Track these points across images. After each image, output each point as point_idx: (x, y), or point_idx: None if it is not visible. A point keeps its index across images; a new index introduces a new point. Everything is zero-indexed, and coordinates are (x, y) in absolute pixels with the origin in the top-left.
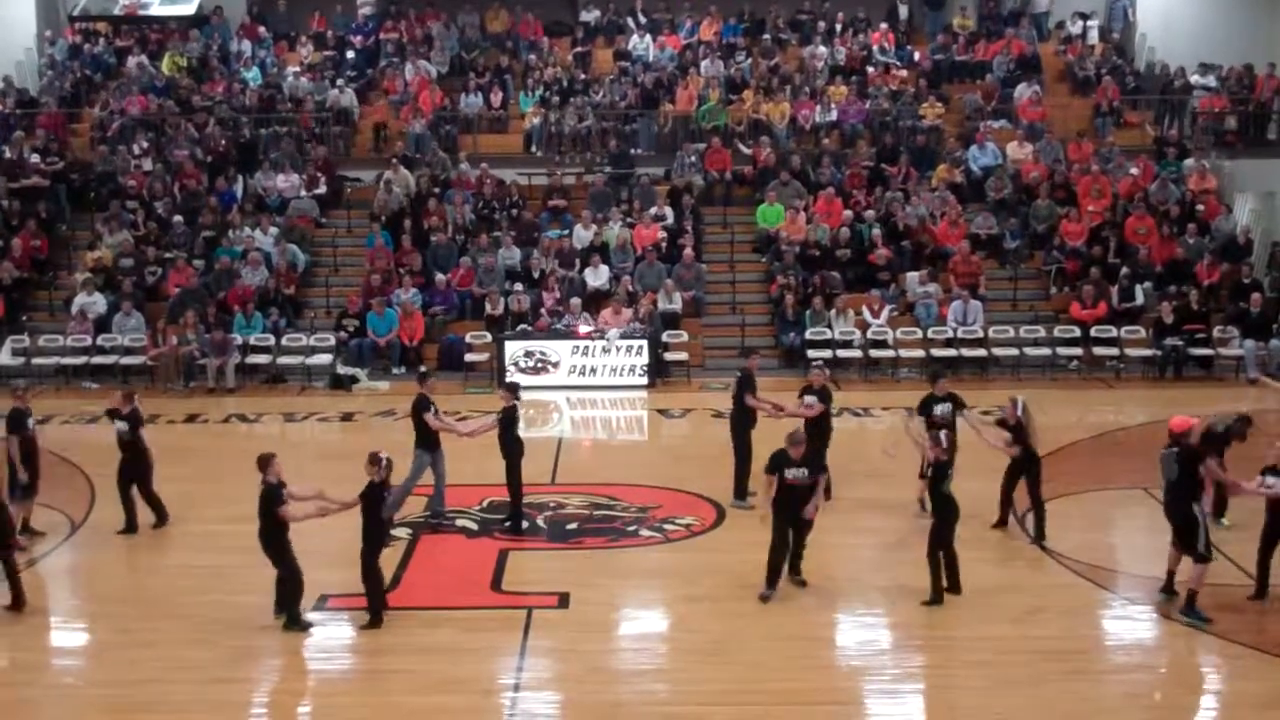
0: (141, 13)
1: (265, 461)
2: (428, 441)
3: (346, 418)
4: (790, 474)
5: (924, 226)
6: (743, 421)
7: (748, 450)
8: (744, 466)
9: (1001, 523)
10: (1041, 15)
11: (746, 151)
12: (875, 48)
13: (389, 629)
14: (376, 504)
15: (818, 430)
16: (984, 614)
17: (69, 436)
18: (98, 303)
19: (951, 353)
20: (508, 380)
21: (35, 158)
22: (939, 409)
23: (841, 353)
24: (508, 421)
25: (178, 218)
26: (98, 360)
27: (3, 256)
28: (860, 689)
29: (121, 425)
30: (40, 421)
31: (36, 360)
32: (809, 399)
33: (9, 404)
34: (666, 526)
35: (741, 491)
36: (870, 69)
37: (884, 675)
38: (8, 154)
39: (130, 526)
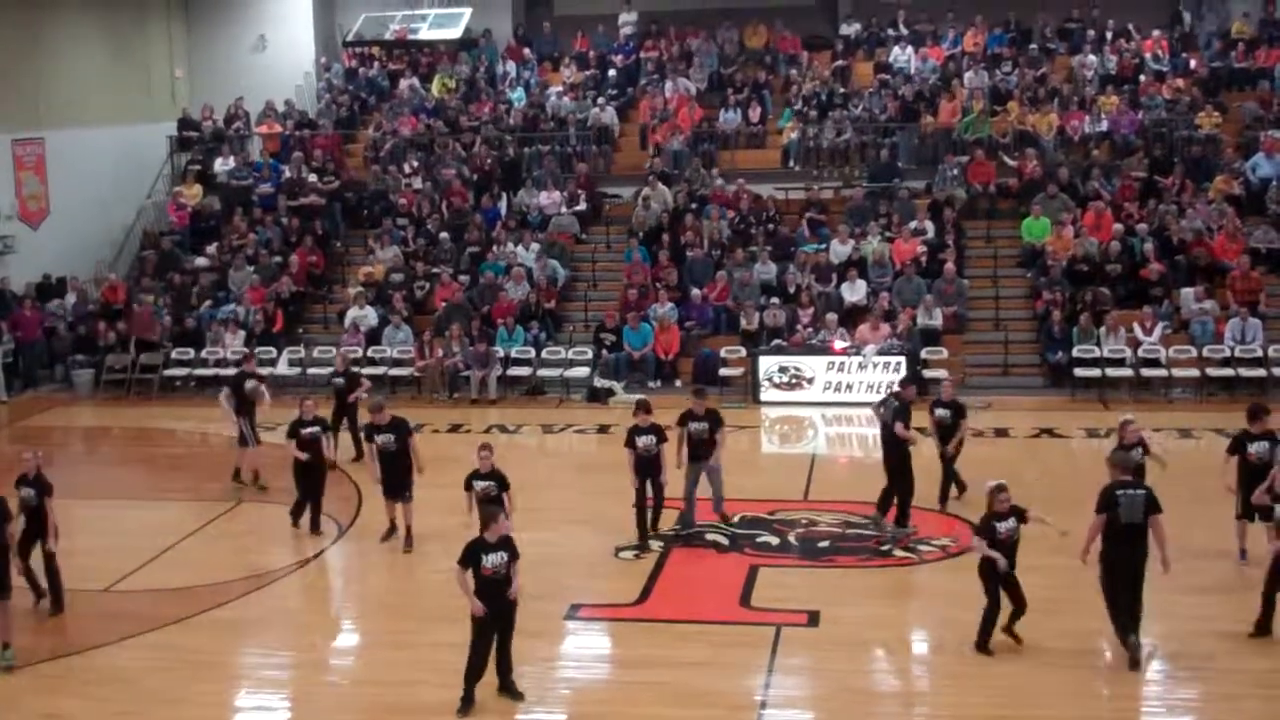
0: (412, 37)
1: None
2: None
3: (603, 430)
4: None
5: (1200, 240)
6: (897, 450)
7: (909, 478)
8: (906, 495)
9: None
10: None
11: (1011, 164)
12: (1148, 55)
13: (639, 640)
14: None
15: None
16: None
17: (340, 443)
18: (369, 316)
19: (1229, 372)
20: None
21: (313, 177)
22: (1255, 447)
23: (1111, 371)
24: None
25: (445, 234)
26: (368, 371)
27: (281, 271)
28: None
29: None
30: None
31: (311, 370)
32: (939, 412)
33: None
34: (921, 547)
35: (904, 519)
36: (1143, 77)
37: (1155, 706)
38: (288, 173)
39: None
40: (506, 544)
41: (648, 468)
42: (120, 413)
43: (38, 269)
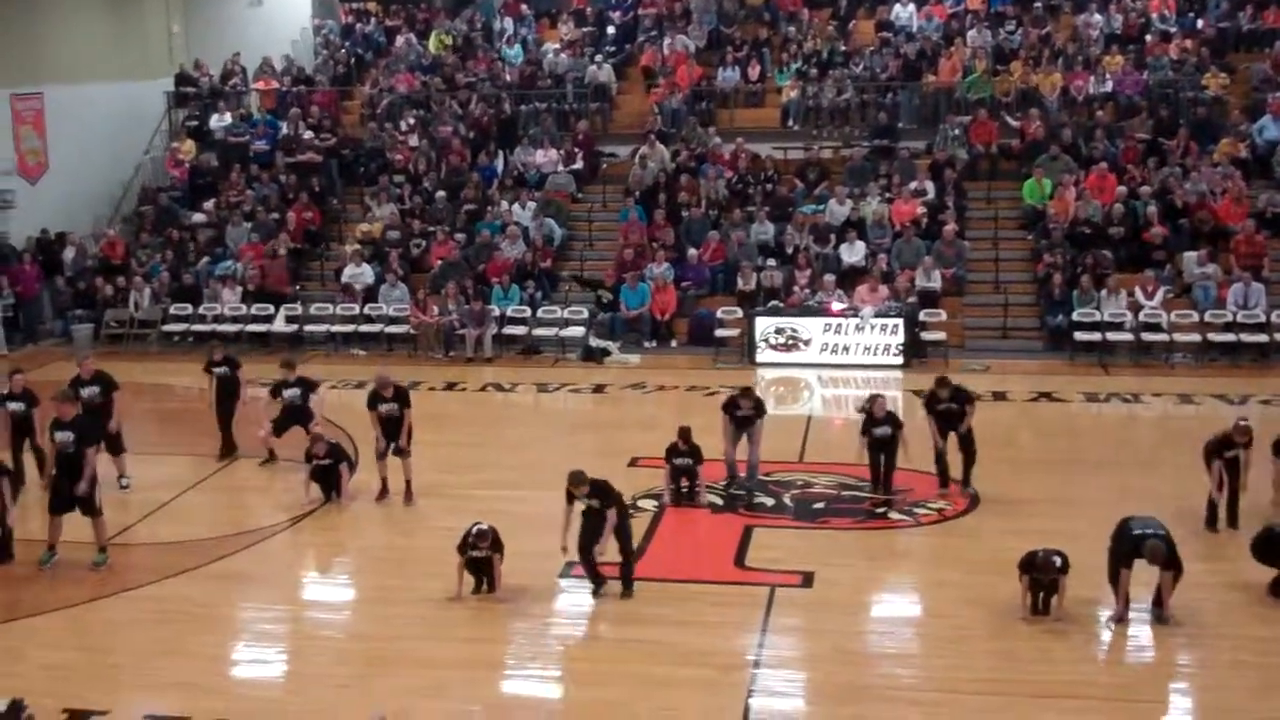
0: None
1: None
2: None
3: (598, 389)
4: None
5: (1204, 204)
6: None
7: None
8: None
9: None
10: None
11: (1014, 124)
12: (1154, 15)
13: (633, 599)
14: None
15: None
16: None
17: (336, 401)
18: (365, 273)
19: (1230, 337)
20: None
21: (310, 134)
22: None
23: (1111, 335)
24: None
25: (441, 192)
26: (365, 329)
27: (279, 228)
28: (1119, 685)
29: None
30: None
31: (308, 328)
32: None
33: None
34: (917, 510)
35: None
36: (1148, 37)
37: (1143, 671)
38: (285, 130)
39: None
40: None
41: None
42: (118, 367)
43: (37, 224)
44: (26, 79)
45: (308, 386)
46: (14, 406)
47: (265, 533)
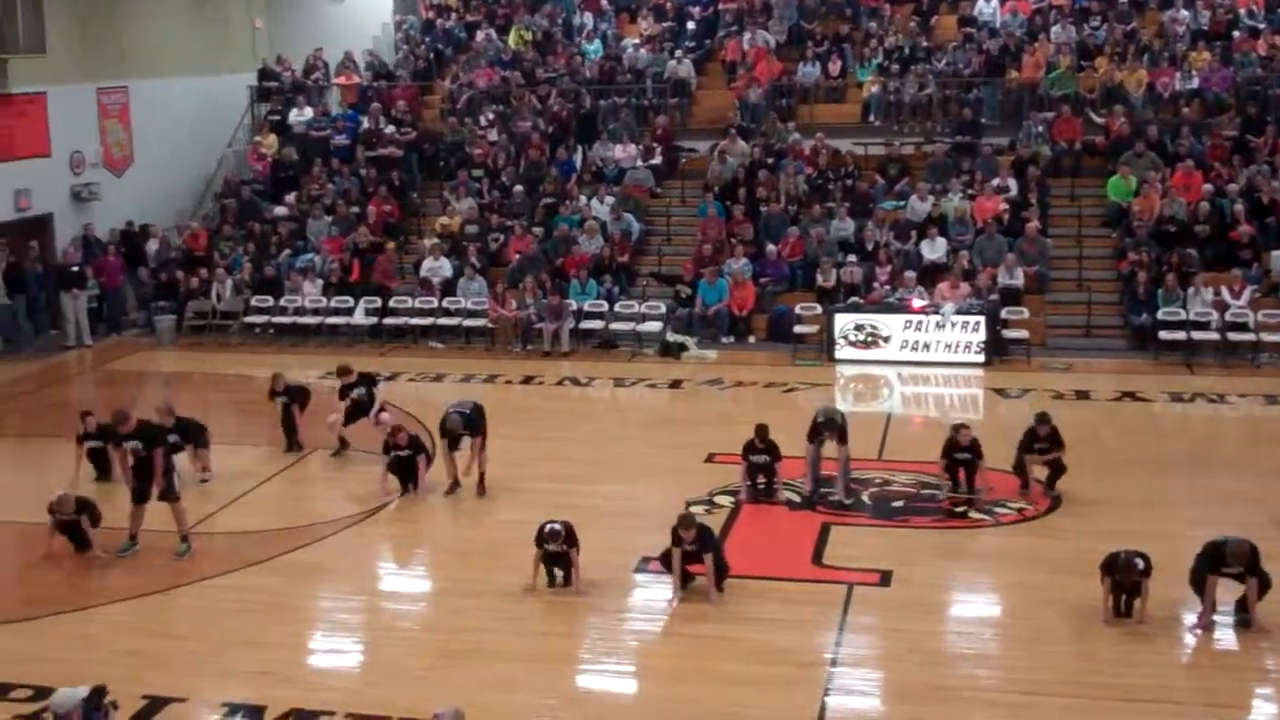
0: None
1: None
2: None
3: (675, 385)
4: None
5: None
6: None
7: None
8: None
9: None
10: None
11: (1098, 121)
12: (1242, 11)
13: (708, 596)
14: None
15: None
16: None
17: (412, 393)
18: (444, 267)
19: None
20: None
21: (390, 128)
22: None
23: (1196, 335)
24: None
25: (519, 187)
26: (443, 322)
27: (359, 222)
28: (1202, 689)
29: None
30: (388, 379)
31: (387, 320)
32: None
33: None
34: (997, 509)
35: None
36: (1236, 33)
37: (1226, 676)
38: (366, 124)
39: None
40: None
41: None
42: (200, 358)
43: (121, 216)
44: (112, 73)
45: (370, 382)
46: (92, 445)
47: (342, 523)
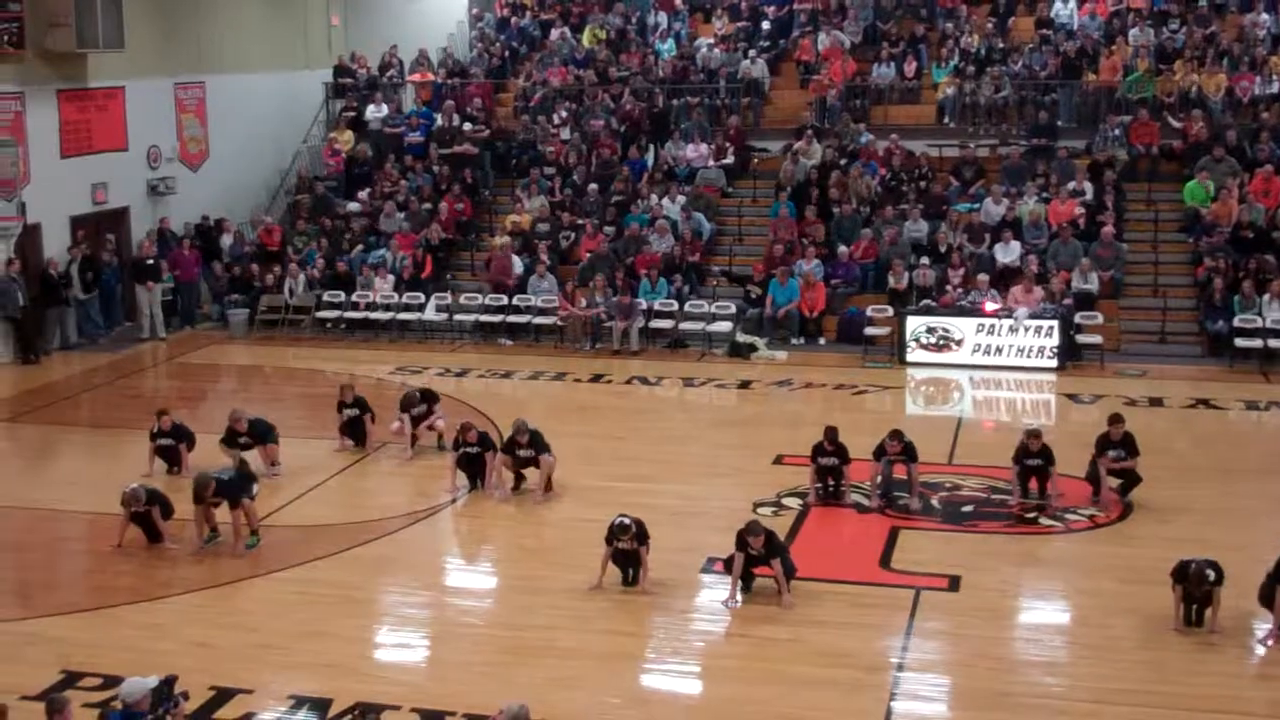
0: None
1: None
2: None
3: (744, 385)
4: None
5: None
6: None
7: None
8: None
9: None
10: None
11: (1176, 125)
12: None
13: (775, 597)
14: None
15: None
16: None
17: (483, 389)
18: (515, 264)
19: None
20: None
21: (465, 126)
22: None
23: (1273, 342)
24: None
25: (591, 185)
26: (513, 319)
27: (431, 218)
28: (1273, 700)
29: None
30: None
31: (458, 316)
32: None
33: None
34: (1068, 515)
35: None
36: None
37: None
38: (440, 121)
39: None
40: None
41: None
42: (272, 352)
43: (197, 210)
44: (189, 68)
45: (432, 399)
46: (164, 442)
47: (411, 518)
